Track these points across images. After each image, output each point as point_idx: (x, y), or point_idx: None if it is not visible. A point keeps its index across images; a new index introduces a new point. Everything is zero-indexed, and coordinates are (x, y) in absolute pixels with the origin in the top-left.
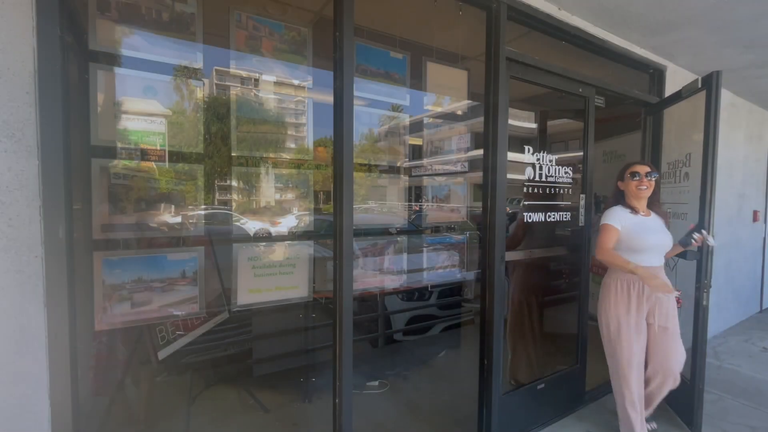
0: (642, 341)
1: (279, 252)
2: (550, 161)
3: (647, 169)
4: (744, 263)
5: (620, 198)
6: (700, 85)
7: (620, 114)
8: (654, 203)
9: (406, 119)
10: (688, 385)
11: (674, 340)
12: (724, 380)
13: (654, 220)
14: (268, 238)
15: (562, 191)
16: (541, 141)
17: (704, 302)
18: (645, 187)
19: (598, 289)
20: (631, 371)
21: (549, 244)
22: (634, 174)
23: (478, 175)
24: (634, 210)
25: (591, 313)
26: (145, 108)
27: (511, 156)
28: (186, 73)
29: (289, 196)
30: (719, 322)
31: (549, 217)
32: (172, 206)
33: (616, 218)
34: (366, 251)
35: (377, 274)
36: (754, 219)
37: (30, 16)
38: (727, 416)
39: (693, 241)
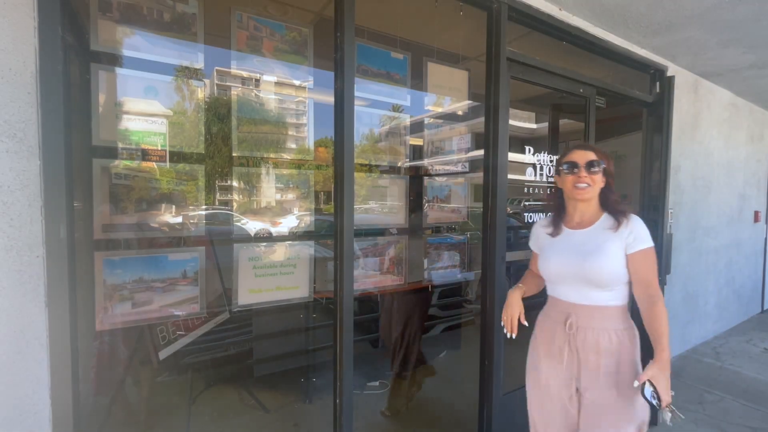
0: (552, 411)
1: (280, 252)
2: (551, 162)
3: (590, 156)
4: (745, 264)
5: (560, 202)
6: (657, 90)
7: (622, 114)
8: (610, 204)
9: (406, 120)
10: None
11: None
12: (725, 381)
13: (585, 234)
14: (268, 238)
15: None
16: (552, 140)
17: None
18: (585, 185)
19: None
20: None
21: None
22: (569, 165)
23: (479, 176)
24: (559, 223)
25: None
26: (146, 108)
27: (512, 156)
28: (187, 73)
29: (290, 196)
30: (720, 323)
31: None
32: (173, 206)
33: (533, 238)
34: (366, 251)
35: (378, 274)
36: (755, 219)
37: (32, 16)
38: (728, 417)
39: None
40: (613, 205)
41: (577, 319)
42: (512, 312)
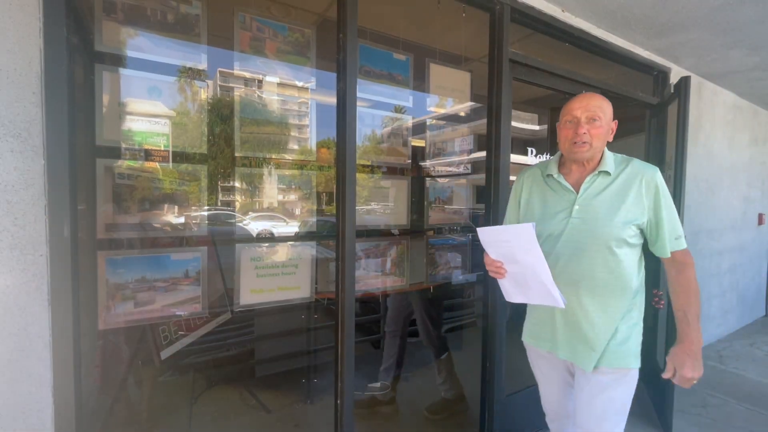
0: None
1: (281, 252)
2: None
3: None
4: (749, 267)
5: None
6: (672, 91)
7: (625, 116)
8: None
9: (408, 121)
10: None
11: None
12: (728, 384)
13: None
14: (270, 238)
15: None
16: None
17: None
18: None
19: None
20: None
21: None
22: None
23: (481, 177)
24: None
25: None
26: (149, 109)
27: (514, 158)
28: (190, 74)
29: (292, 197)
30: (724, 326)
31: None
32: (176, 206)
33: None
34: (368, 252)
35: (379, 275)
36: (759, 222)
37: (37, 17)
38: (732, 421)
39: None
40: None
41: None
42: None
